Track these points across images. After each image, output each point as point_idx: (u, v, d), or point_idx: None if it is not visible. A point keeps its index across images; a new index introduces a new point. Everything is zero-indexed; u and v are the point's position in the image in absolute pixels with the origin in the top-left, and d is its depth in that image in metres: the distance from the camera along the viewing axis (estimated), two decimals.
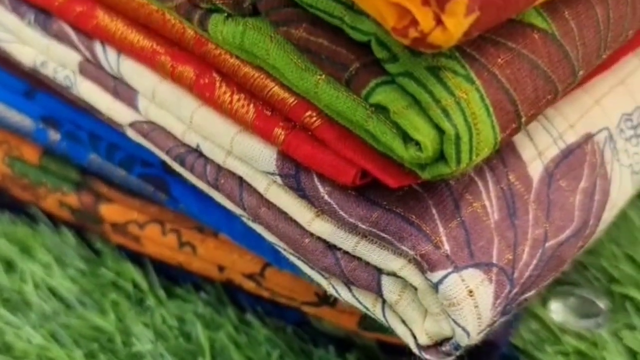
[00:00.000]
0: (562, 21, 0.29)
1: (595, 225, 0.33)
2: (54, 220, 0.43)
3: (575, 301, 0.42)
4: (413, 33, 0.24)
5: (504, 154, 0.31)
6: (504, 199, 0.30)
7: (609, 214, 0.34)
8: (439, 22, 0.23)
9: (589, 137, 0.33)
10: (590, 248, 0.41)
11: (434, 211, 0.28)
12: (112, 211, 0.40)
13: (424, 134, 0.26)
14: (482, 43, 0.27)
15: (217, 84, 0.30)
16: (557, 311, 0.41)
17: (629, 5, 0.31)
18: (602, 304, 0.41)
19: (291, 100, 0.29)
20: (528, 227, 0.30)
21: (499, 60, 0.27)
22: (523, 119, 0.27)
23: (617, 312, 0.41)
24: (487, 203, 0.29)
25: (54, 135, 0.39)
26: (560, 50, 0.28)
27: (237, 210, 0.32)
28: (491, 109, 0.26)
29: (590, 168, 0.33)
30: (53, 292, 0.41)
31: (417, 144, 0.26)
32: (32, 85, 0.39)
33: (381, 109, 0.26)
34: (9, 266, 0.42)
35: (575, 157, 0.32)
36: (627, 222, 0.44)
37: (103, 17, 0.33)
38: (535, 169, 0.31)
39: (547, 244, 0.30)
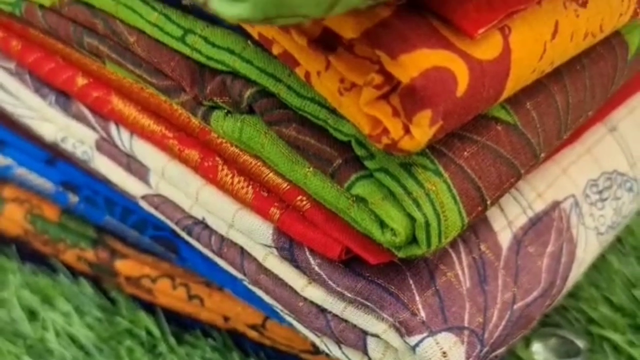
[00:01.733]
0: (523, 112, 0.33)
1: (561, 285, 0.37)
2: (73, 271, 0.47)
3: (556, 342, 0.46)
4: (385, 140, 0.28)
5: (475, 226, 0.35)
6: (475, 267, 0.34)
7: (576, 273, 0.38)
8: (407, 131, 0.28)
9: (556, 205, 0.38)
10: (570, 291, 0.46)
11: (411, 282, 0.33)
12: (126, 266, 0.44)
13: (398, 222, 0.30)
14: (449, 138, 0.31)
15: (220, 167, 0.35)
16: (538, 352, 0.45)
17: (588, 90, 0.35)
18: (581, 344, 0.45)
19: (284, 185, 0.33)
20: (497, 292, 0.34)
21: (465, 153, 0.31)
22: (488, 202, 0.32)
23: (596, 352, 0.44)
24: (459, 272, 0.34)
25: (73, 198, 0.44)
26: (522, 139, 0.33)
27: (239, 275, 0.37)
28: (458, 198, 0.31)
29: (557, 233, 0.37)
30: (73, 340, 0.45)
31: (393, 230, 0.30)
32: (53, 155, 0.44)
33: (361, 199, 0.31)
34: (32, 315, 0.46)
35: (543, 224, 0.37)
36: (605, 265, 0.48)
37: (117, 103, 0.38)
38: (505, 238, 0.36)
39: (515, 306, 0.35)
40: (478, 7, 0.29)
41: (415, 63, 0.27)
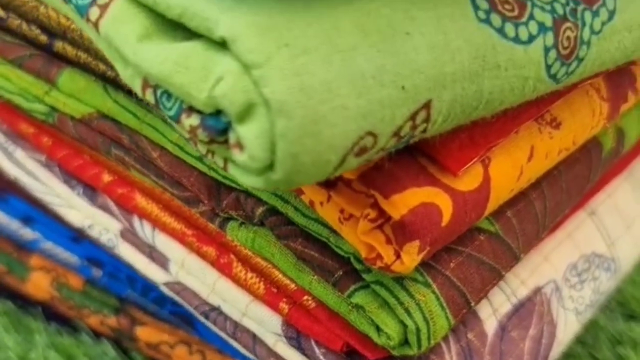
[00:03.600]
0: (504, 220, 0.39)
1: None
2: (95, 332, 0.53)
3: None
4: (379, 263, 0.34)
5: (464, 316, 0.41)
6: (463, 355, 0.40)
7: (556, 351, 0.44)
8: (398, 256, 0.34)
9: (537, 290, 0.43)
10: None
11: None
12: (146, 333, 0.50)
13: (392, 328, 0.36)
14: (437, 251, 0.37)
15: (234, 264, 0.40)
16: None
17: (564, 192, 0.41)
18: None
19: (292, 286, 0.39)
20: None
21: (451, 264, 0.37)
22: (472, 304, 0.38)
23: None
24: None
25: (97, 272, 0.49)
26: (503, 245, 0.38)
27: (251, 356, 0.43)
28: (445, 305, 0.36)
29: (538, 317, 0.43)
30: None
31: (387, 334, 0.36)
32: (79, 234, 0.49)
33: (360, 307, 0.36)
34: None
35: (526, 309, 0.42)
36: (591, 322, 0.54)
37: (140, 200, 0.43)
38: (491, 325, 0.41)
39: None
40: (461, 144, 0.34)
41: (404, 202, 0.33)
